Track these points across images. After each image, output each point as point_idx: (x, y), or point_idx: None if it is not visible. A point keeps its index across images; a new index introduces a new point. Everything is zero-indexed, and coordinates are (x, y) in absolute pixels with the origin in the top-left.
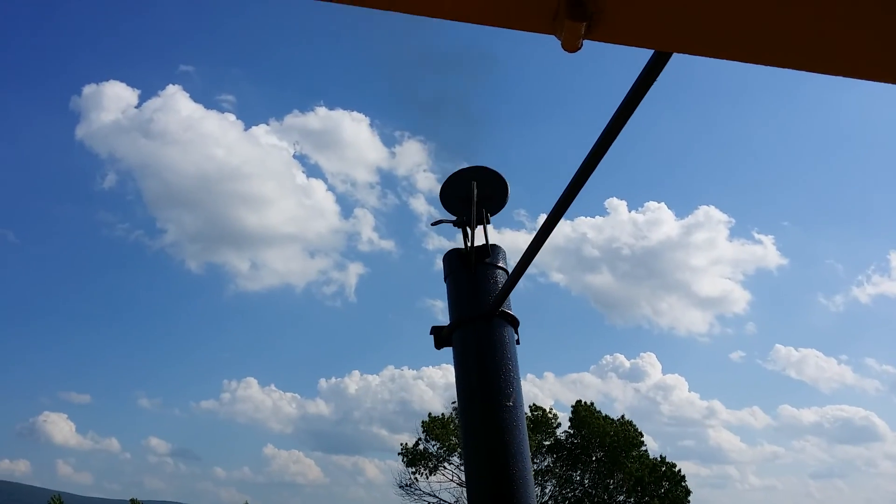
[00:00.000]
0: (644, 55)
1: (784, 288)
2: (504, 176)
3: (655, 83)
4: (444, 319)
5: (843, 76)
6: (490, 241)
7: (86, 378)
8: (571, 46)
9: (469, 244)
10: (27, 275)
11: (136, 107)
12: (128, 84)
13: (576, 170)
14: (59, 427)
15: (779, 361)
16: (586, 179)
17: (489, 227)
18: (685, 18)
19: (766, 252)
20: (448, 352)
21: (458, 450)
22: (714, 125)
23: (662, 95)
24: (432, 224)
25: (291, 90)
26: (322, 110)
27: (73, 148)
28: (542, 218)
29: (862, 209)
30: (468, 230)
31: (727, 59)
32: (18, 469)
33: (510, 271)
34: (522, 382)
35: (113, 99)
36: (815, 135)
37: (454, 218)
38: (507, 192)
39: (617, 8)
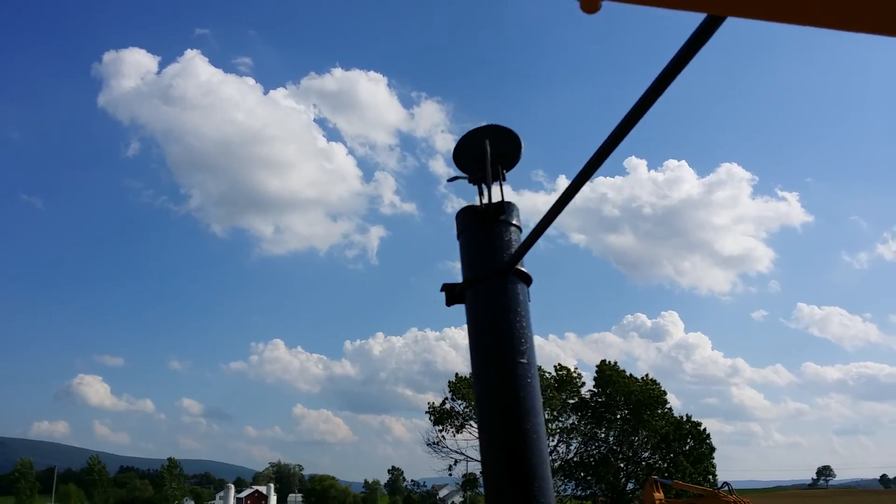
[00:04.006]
0: (668, 18)
1: (808, 245)
2: (517, 132)
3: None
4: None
5: None
6: (505, 199)
7: (118, 342)
8: (590, 7)
9: (485, 201)
10: (56, 242)
11: (156, 73)
12: (147, 50)
13: (602, 132)
14: (95, 389)
15: (802, 320)
16: (618, 143)
17: (504, 183)
18: None
19: (791, 209)
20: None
21: None
22: (735, 81)
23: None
24: (448, 181)
25: (307, 50)
26: (338, 71)
27: (96, 115)
28: (560, 179)
29: (886, 165)
30: (483, 187)
31: (759, 18)
32: (57, 430)
33: (525, 229)
34: (544, 342)
35: (132, 65)
36: (838, 90)
37: (469, 175)
38: (520, 149)
39: None
